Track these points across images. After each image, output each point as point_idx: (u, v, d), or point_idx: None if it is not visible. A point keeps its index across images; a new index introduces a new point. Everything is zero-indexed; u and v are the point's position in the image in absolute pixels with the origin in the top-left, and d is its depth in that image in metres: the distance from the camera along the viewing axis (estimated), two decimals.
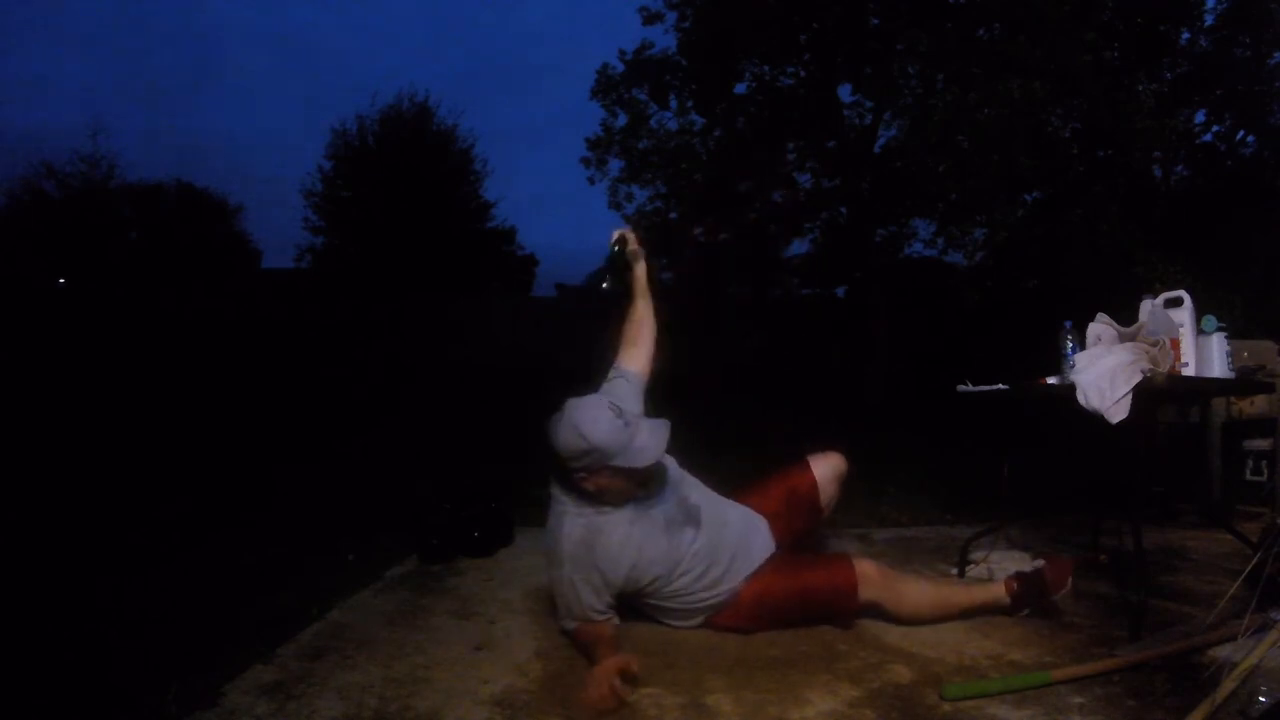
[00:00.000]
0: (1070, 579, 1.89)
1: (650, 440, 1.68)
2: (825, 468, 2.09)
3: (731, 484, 2.06)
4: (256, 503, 3.23)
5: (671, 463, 1.86)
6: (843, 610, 1.82)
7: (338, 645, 1.77)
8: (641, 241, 2.07)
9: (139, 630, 1.80)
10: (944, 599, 1.89)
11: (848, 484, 2.15)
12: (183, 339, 10.42)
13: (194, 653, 1.62)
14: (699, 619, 1.84)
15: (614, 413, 1.67)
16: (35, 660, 1.65)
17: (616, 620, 1.74)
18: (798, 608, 1.82)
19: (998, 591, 1.89)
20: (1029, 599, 1.88)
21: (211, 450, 4.48)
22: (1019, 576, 1.92)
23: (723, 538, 1.82)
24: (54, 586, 2.13)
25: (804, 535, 2.10)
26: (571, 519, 1.71)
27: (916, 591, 1.87)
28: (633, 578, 1.73)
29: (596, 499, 1.70)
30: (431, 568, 2.45)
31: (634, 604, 1.83)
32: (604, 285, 2.01)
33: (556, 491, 1.76)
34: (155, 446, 4.50)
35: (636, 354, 1.97)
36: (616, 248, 2.04)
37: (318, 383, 8.16)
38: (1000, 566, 2.24)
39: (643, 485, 1.75)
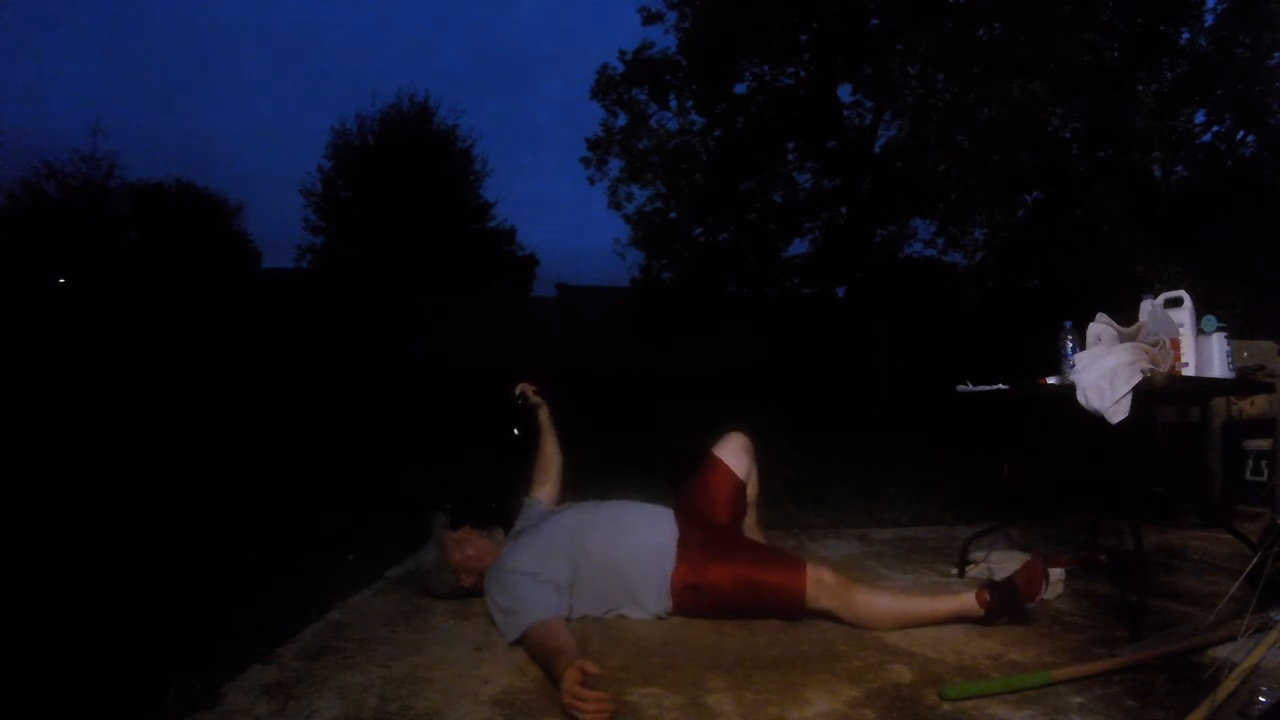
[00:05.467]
0: (1044, 585, 1.87)
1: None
2: (729, 449, 2.31)
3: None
4: (256, 503, 3.23)
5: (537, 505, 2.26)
6: (790, 611, 1.90)
7: (338, 645, 1.77)
8: (539, 393, 2.43)
9: (139, 630, 1.80)
10: (904, 611, 1.90)
11: (759, 454, 2.35)
12: (182, 339, 10.43)
13: (194, 653, 1.62)
14: (652, 606, 1.95)
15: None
16: (35, 660, 1.64)
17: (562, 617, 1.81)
18: (748, 600, 1.91)
19: (967, 602, 1.87)
20: (1003, 609, 1.86)
21: (212, 450, 4.48)
22: (990, 586, 1.90)
23: (594, 539, 1.97)
24: (54, 586, 2.13)
25: (742, 514, 2.31)
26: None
27: (874, 603, 1.88)
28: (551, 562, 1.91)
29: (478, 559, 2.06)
30: None
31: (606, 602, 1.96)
32: (515, 432, 2.37)
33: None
34: (155, 446, 4.49)
35: (545, 487, 2.35)
36: (520, 401, 2.39)
37: (318, 383, 8.16)
38: (1000, 566, 2.25)
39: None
